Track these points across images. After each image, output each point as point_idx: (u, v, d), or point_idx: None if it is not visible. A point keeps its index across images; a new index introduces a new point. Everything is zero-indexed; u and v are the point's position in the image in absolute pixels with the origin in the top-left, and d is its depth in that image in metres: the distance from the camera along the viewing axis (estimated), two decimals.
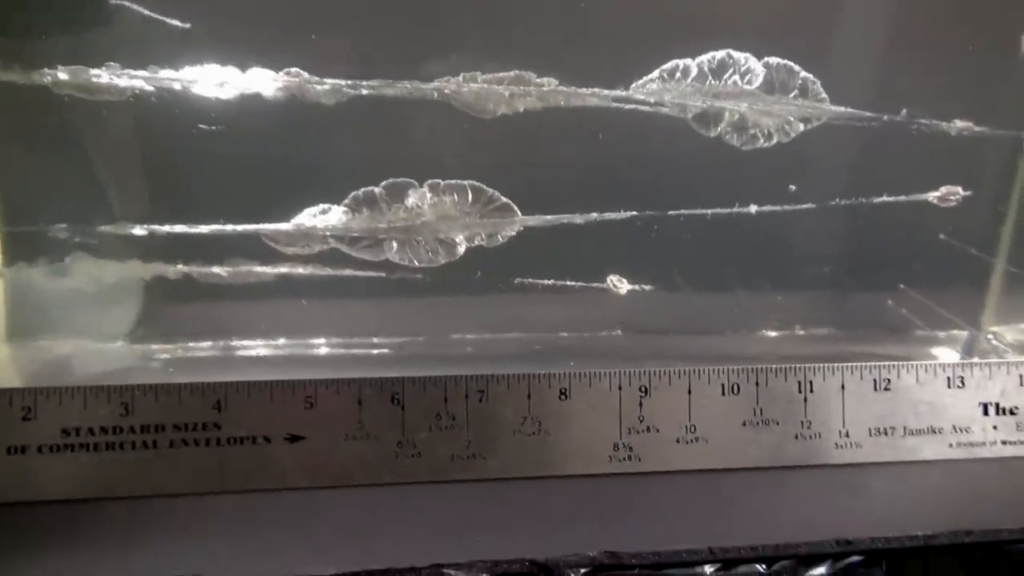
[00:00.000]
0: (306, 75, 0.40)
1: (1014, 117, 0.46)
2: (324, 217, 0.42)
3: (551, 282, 0.49)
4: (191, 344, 0.49)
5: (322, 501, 0.37)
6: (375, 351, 0.51)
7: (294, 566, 0.33)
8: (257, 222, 0.42)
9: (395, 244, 0.43)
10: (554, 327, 0.52)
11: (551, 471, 0.39)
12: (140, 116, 0.41)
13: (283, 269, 0.46)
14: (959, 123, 0.47)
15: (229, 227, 0.42)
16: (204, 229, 0.42)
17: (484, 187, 0.43)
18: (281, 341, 0.50)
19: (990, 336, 0.51)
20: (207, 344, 0.49)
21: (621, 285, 0.50)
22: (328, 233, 0.42)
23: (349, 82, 0.41)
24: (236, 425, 0.37)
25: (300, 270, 0.46)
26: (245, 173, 0.42)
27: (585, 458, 0.39)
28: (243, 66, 0.40)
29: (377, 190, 0.42)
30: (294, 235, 0.42)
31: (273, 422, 0.37)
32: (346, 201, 0.42)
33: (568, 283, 0.50)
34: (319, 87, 0.42)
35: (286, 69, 0.40)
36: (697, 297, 0.52)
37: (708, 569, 0.34)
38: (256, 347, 0.50)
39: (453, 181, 0.42)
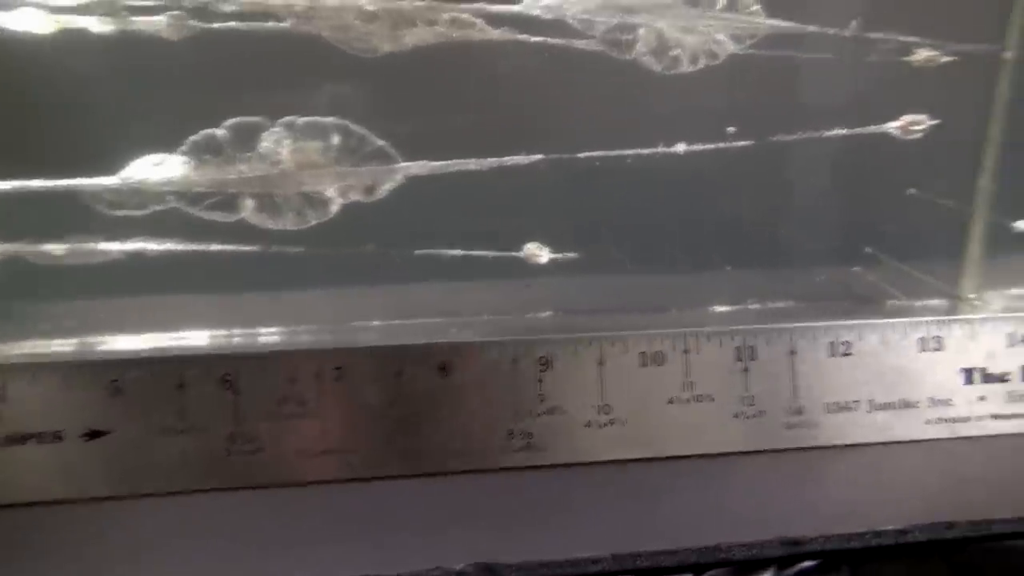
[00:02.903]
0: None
1: (987, 35, 0.39)
2: (159, 169, 0.35)
3: (459, 252, 0.42)
4: (37, 342, 0.41)
5: (131, 513, 0.29)
6: (262, 339, 0.43)
7: None
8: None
9: (250, 201, 0.36)
10: (474, 308, 0.45)
11: (428, 467, 0.31)
12: None
13: (133, 246, 0.38)
14: (924, 53, 0.40)
15: (37, 183, 0.34)
16: (6, 186, 0.34)
17: (352, 126, 0.35)
18: (146, 336, 0.43)
19: (973, 301, 0.44)
20: (58, 343, 0.41)
21: (540, 254, 0.42)
22: (165, 189, 0.35)
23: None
24: (19, 419, 0.29)
25: (154, 246, 0.39)
26: (61, 121, 0.35)
27: (470, 450, 0.31)
28: None
29: (220, 132, 0.34)
30: (123, 192, 0.35)
31: (67, 414, 0.29)
32: (183, 148, 0.35)
33: (478, 253, 0.42)
34: (154, 18, 0.35)
35: None
36: (633, 269, 0.45)
37: None
38: (117, 343, 0.43)
39: (312, 118, 0.35)
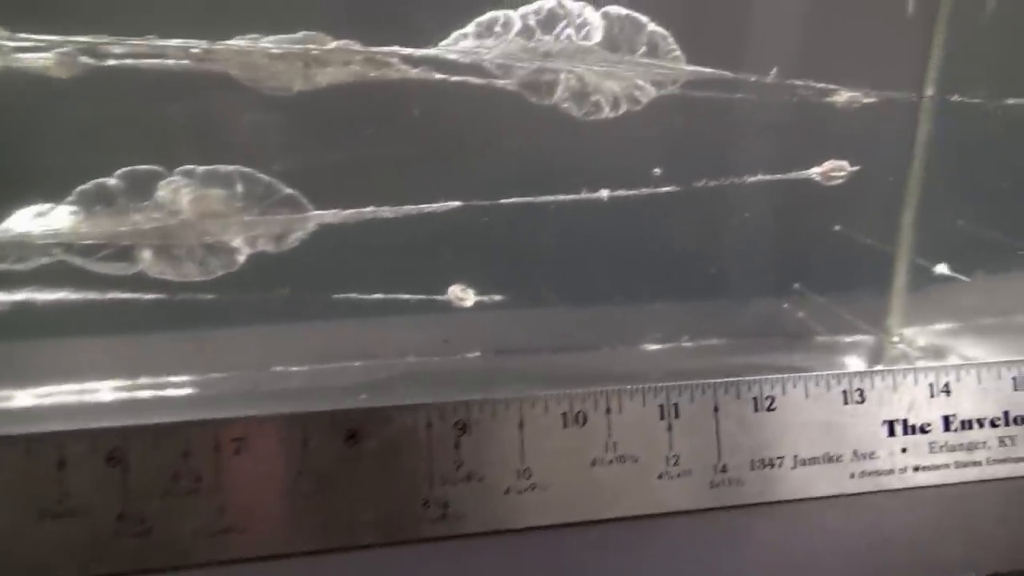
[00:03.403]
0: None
1: (907, 80, 0.39)
2: (43, 220, 0.32)
3: (380, 296, 0.40)
4: None
5: None
6: (171, 392, 0.41)
7: None
8: None
9: (147, 253, 0.33)
10: (399, 352, 0.43)
11: (338, 542, 0.29)
12: None
13: (18, 297, 0.36)
14: (845, 94, 0.40)
15: None
16: None
17: (258, 174, 0.33)
18: (45, 389, 0.40)
19: (897, 340, 0.44)
20: None
21: (465, 296, 0.41)
22: (50, 241, 0.32)
23: (75, 41, 0.31)
24: None
25: (44, 296, 0.36)
26: None
27: (384, 522, 0.29)
28: None
29: (112, 182, 0.32)
30: (2, 245, 0.32)
31: None
32: (71, 198, 0.32)
33: (401, 296, 0.41)
34: (41, 55, 0.32)
35: None
36: (561, 309, 0.44)
37: None
38: (14, 398, 0.40)
39: (214, 167, 0.33)
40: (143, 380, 0.41)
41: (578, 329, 0.45)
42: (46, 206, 0.32)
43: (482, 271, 0.41)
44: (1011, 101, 0.40)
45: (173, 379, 0.41)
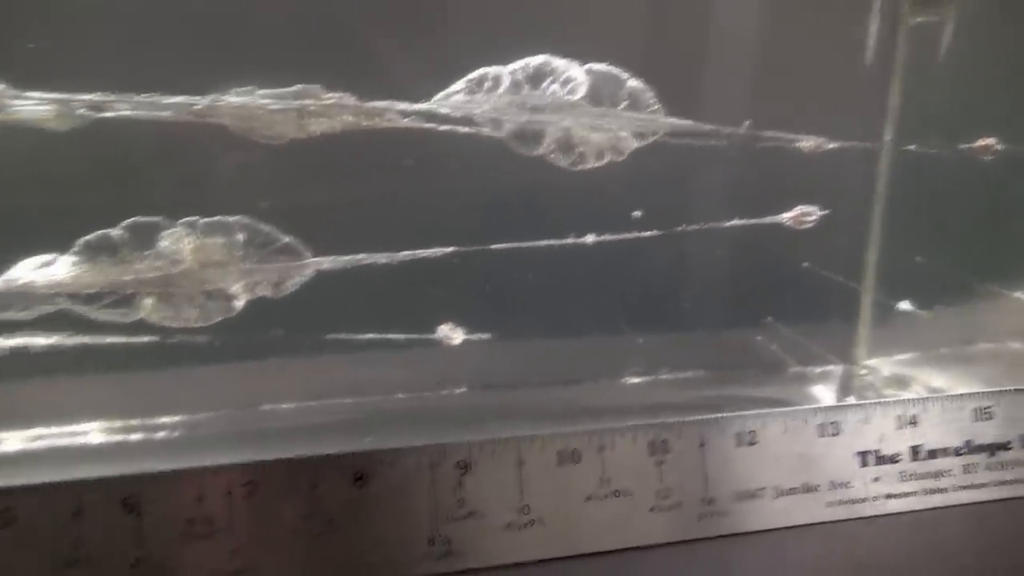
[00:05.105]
0: (1, 86, 0.31)
1: (865, 129, 0.42)
2: (47, 271, 0.33)
3: (372, 336, 0.41)
4: None
5: None
6: (164, 433, 0.41)
7: None
8: None
9: (149, 300, 0.34)
10: (387, 388, 0.44)
11: None
12: None
13: (14, 342, 0.36)
14: (811, 140, 0.42)
15: None
16: None
17: (258, 223, 0.34)
18: (35, 432, 0.40)
19: (864, 372, 0.46)
20: None
21: (455, 335, 0.42)
22: (53, 291, 0.33)
23: (66, 97, 0.32)
24: None
25: (41, 340, 0.37)
26: None
27: (391, 560, 0.30)
28: None
29: (116, 233, 0.33)
30: (6, 295, 0.33)
31: None
32: (74, 249, 0.33)
33: (392, 336, 0.42)
34: (39, 108, 0.33)
35: None
36: (545, 344, 0.45)
37: None
38: (3, 441, 0.40)
39: (215, 218, 0.34)
40: (134, 422, 0.41)
41: (562, 364, 0.47)
42: (50, 256, 0.33)
43: (469, 310, 0.43)
44: (963, 147, 0.43)
45: (164, 420, 0.42)
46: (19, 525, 0.28)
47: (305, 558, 0.30)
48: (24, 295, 0.33)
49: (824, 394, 0.47)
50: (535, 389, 0.46)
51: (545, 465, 0.32)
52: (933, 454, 0.35)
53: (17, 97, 0.32)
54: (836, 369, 0.49)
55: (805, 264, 0.47)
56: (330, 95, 0.36)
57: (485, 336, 0.43)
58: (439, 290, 0.42)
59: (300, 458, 0.30)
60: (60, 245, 0.33)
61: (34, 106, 0.33)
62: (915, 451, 0.35)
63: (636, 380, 0.47)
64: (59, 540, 0.28)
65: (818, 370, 0.49)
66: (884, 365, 0.48)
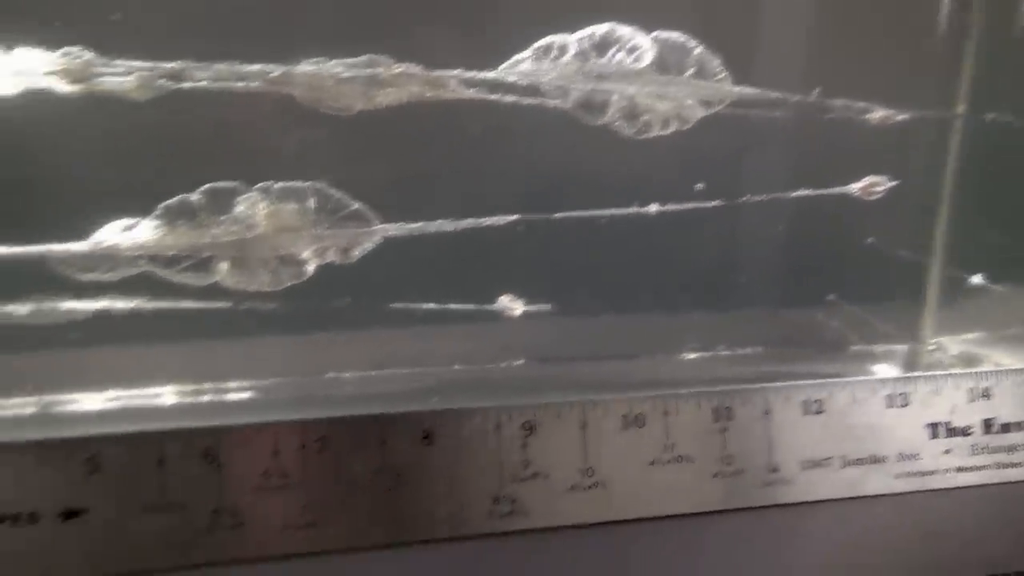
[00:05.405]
0: (90, 56, 0.33)
1: (938, 98, 0.41)
2: (130, 234, 0.34)
3: (433, 306, 0.42)
4: None
5: None
6: (234, 396, 0.43)
7: None
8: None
9: (224, 264, 0.35)
10: (447, 359, 0.45)
11: (413, 536, 0.31)
12: None
13: (98, 305, 0.38)
14: (880, 112, 0.41)
15: (3, 249, 0.33)
16: None
17: (330, 189, 0.35)
18: (112, 393, 0.42)
19: (932, 348, 0.45)
20: (16, 401, 0.40)
21: (515, 306, 0.43)
22: (136, 253, 0.34)
23: (151, 65, 0.33)
24: None
25: (121, 304, 0.38)
26: (26, 185, 0.35)
27: (457, 517, 0.31)
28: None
29: (195, 198, 0.34)
30: (92, 257, 0.34)
31: (42, 493, 0.28)
32: (156, 213, 0.34)
33: (453, 307, 0.42)
34: (122, 79, 0.34)
35: (65, 49, 0.32)
36: (604, 318, 0.45)
37: None
38: (82, 401, 0.41)
39: (289, 183, 0.35)
40: (206, 385, 0.43)
41: (620, 338, 0.47)
42: (133, 220, 0.34)
43: (530, 282, 0.43)
44: None
45: (234, 384, 0.43)
46: (104, 472, 0.29)
47: (373, 513, 0.30)
48: (109, 257, 0.34)
49: (888, 373, 0.46)
50: (593, 363, 0.47)
51: (609, 429, 0.32)
52: (1007, 428, 0.34)
53: (105, 65, 0.33)
54: (901, 348, 0.48)
55: (870, 240, 0.46)
56: (398, 65, 0.37)
57: (545, 307, 0.43)
58: (501, 261, 0.43)
59: (370, 415, 0.31)
60: (143, 210, 0.34)
61: (119, 75, 0.35)
62: (988, 424, 0.34)
63: (694, 356, 0.47)
64: (144, 487, 0.29)
65: (881, 348, 0.48)
66: (952, 344, 0.46)
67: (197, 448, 0.29)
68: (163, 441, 0.29)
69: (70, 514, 0.28)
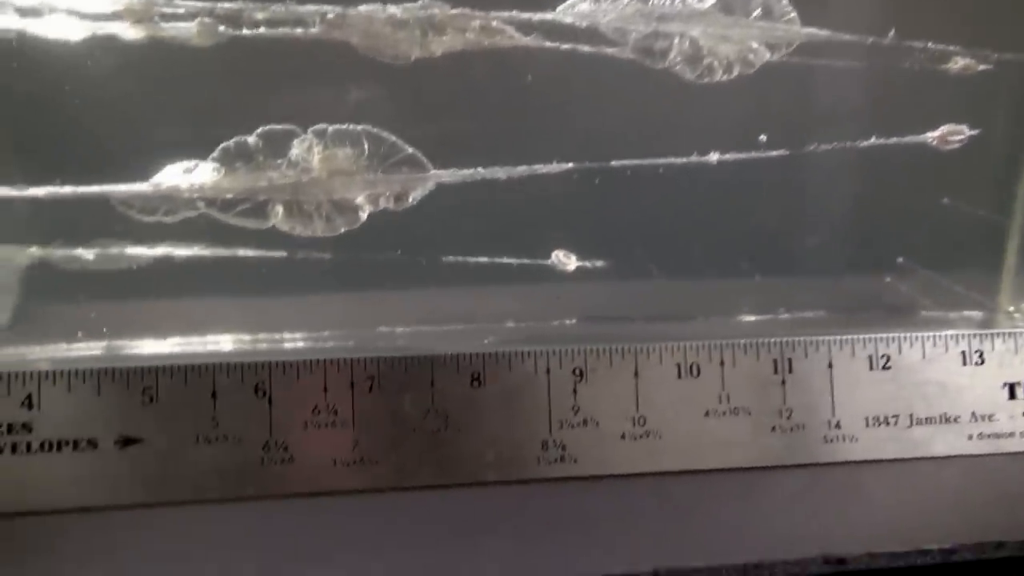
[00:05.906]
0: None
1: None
2: (189, 176, 0.35)
3: (485, 259, 0.42)
4: (65, 346, 0.41)
5: (164, 521, 0.29)
6: (288, 345, 0.43)
7: None
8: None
9: (280, 208, 0.35)
10: (499, 316, 0.44)
11: (461, 477, 0.30)
12: None
13: (160, 251, 0.38)
14: (961, 61, 0.39)
15: (68, 189, 0.34)
16: (39, 192, 0.34)
17: (383, 134, 0.35)
18: (172, 340, 0.43)
19: (1012, 310, 0.43)
20: (82, 346, 0.41)
21: (568, 261, 0.42)
22: (196, 195, 0.35)
23: (210, 7, 0.34)
24: (52, 426, 0.29)
25: (181, 251, 0.39)
26: (92, 127, 0.35)
27: (506, 460, 0.30)
28: None
29: (251, 140, 0.34)
30: (153, 198, 0.35)
31: (101, 421, 0.29)
32: (214, 155, 0.34)
33: (506, 260, 0.42)
34: (185, 24, 0.35)
35: None
36: (660, 276, 0.44)
37: None
38: (144, 347, 0.43)
39: (344, 126, 0.35)
40: (261, 335, 0.43)
41: (675, 298, 0.46)
42: (192, 163, 0.35)
43: (584, 237, 0.42)
44: None
45: (288, 335, 0.44)
46: (160, 403, 0.30)
47: (421, 452, 0.30)
48: (169, 199, 0.35)
49: None
50: (646, 324, 0.46)
51: (663, 377, 0.31)
52: None
53: (167, 4, 0.33)
54: (975, 315, 0.45)
55: (945, 200, 0.43)
56: (455, 9, 0.36)
57: (599, 264, 0.42)
58: (555, 216, 0.42)
59: (420, 356, 0.31)
60: (202, 153, 0.35)
61: (181, 23, 0.35)
62: None
63: (752, 318, 0.46)
64: (198, 419, 0.29)
65: (953, 315, 0.46)
66: None
67: (249, 382, 0.30)
68: (215, 374, 0.30)
69: (127, 441, 0.29)
